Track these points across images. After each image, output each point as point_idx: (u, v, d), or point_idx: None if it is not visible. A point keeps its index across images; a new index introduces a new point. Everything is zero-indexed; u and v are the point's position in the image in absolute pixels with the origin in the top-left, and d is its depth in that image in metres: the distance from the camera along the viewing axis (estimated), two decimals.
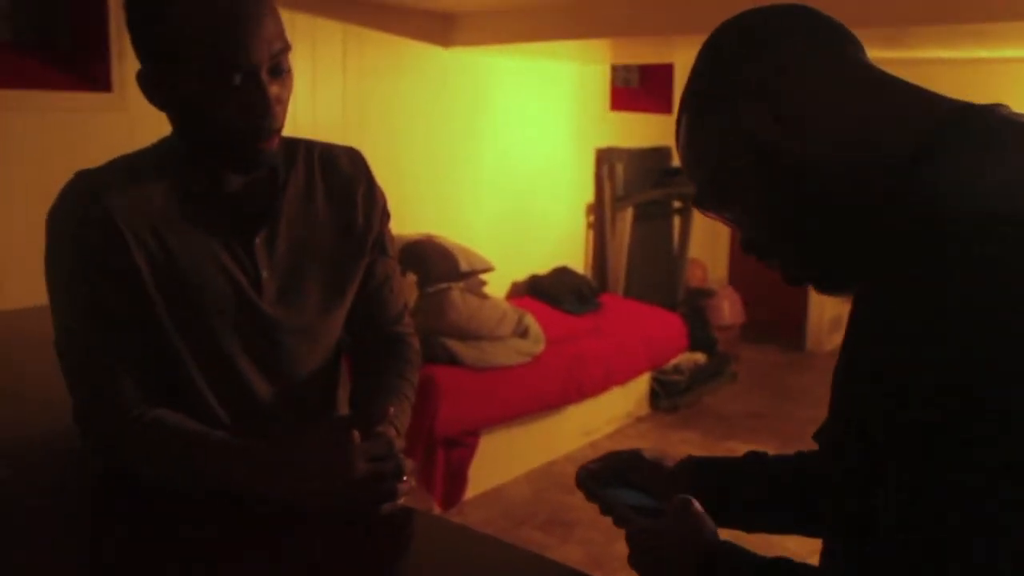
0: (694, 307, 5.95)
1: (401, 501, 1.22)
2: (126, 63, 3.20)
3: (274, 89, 1.23)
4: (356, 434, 1.20)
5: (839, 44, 0.92)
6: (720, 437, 4.89)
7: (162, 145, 1.36)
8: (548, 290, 5.15)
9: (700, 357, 5.56)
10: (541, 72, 5.27)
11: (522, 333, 4.28)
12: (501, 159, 5.07)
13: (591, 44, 4.53)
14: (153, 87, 1.25)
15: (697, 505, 1.00)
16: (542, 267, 5.40)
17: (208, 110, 1.22)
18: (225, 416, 1.37)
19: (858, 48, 0.93)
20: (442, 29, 4.53)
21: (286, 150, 1.41)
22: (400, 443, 1.31)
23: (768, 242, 0.96)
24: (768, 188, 0.91)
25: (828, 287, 0.96)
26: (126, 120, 3.24)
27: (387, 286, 1.53)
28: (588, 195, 5.84)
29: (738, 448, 4.79)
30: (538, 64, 5.22)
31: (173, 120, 1.31)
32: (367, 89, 4.24)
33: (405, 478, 1.22)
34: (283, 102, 1.26)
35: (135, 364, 1.29)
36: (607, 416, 4.91)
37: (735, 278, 6.74)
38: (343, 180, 1.45)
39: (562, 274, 5.36)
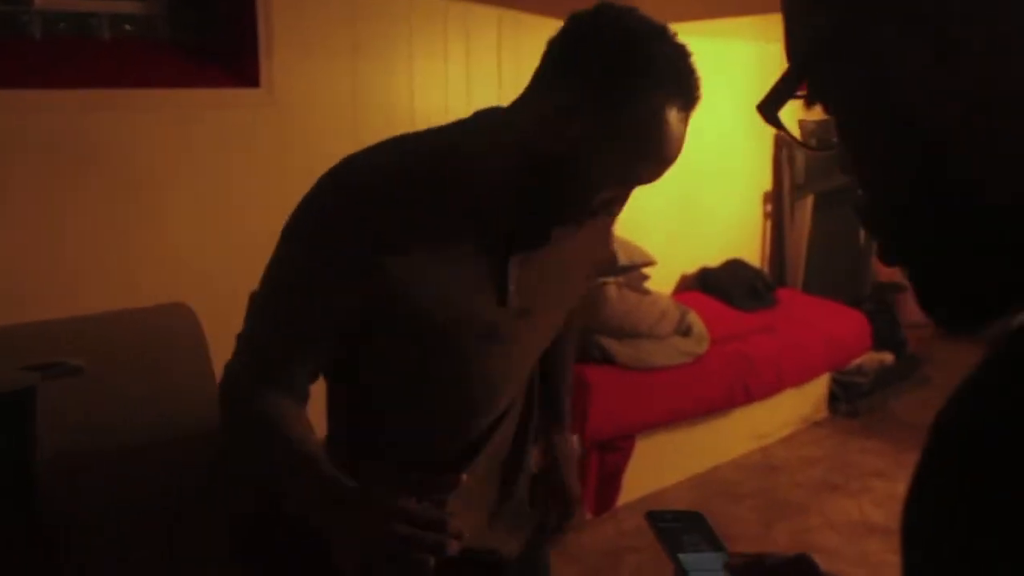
0: (882, 303, 5.52)
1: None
2: (274, 59, 3.19)
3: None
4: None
5: None
6: (907, 448, 4.48)
7: (469, 138, 1.30)
8: (719, 284, 4.88)
9: (887, 357, 5.15)
10: (714, 52, 4.97)
11: (684, 331, 4.05)
12: None
13: (772, 20, 4.20)
14: (569, 114, 1.19)
15: None
16: (713, 260, 5.12)
17: (582, 185, 1.21)
18: (390, 445, 1.39)
19: None
20: None
21: None
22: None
23: (870, 205, 0.64)
24: (890, 148, 0.60)
25: (951, 321, 0.62)
26: (275, 114, 3.25)
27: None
28: (765, 183, 5.50)
29: None
30: (711, 43, 4.92)
31: (543, 139, 1.21)
32: (523, 75, 4.06)
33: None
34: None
35: (299, 356, 1.29)
36: (780, 420, 4.61)
37: None
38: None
39: (735, 267, 5.07)
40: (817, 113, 0.68)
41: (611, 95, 1.16)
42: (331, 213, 1.24)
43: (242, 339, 1.34)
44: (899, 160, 0.60)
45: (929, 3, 0.55)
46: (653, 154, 1.18)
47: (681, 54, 1.18)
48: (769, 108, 0.65)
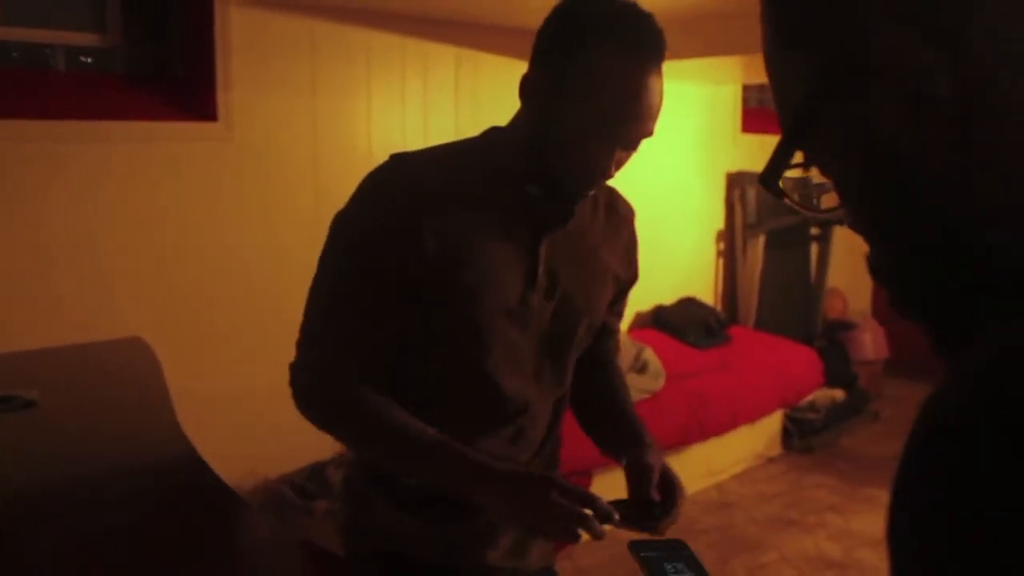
0: (833, 340, 5.60)
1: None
2: (232, 93, 3.18)
3: (621, 157, 1.31)
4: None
5: None
6: (858, 483, 4.53)
7: (485, 139, 1.41)
8: (673, 322, 4.91)
9: (838, 394, 5.21)
10: (667, 93, 5.04)
11: (640, 368, 4.08)
12: (623, 184, 4.82)
13: (721, 62, 4.29)
14: (531, 93, 1.30)
15: None
16: (668, 298, 5.17)
17: (555, 146, 1.28)
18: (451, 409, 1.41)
19: None
20: None
21: None
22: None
23: (876, 259, 0.64)
24: (878, 183, 0.60)
25: (942, 346, 0.61)
26: (232, 149, 3.23)
27: (617, 331, 1.64)
28: (718, 222, 5.58)
29: (878, 496, 4.44)
30: (665, 85, 5.00)
31: (526, 125, 1.33)
32: (480, 113, 4.12)
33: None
34: (622, 165, 1.34)
35: (369, 342, 1.33)
36: (734, 456, 4.63)
37: (879, 309, 6.32)
38: (619, 221, 1.56)
39: (688, 305, 5.12)
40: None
41: (558, 60, 1.26)
42: (372, 197, 1.32)
43: (306, 343, 1.37)
44: (896, 216, 0.60)
45: (905, 63, 0.55)
46: (612, 107, 1.24)
47: (626, 11, 1.25)
48: (769, 179, 0.65)
